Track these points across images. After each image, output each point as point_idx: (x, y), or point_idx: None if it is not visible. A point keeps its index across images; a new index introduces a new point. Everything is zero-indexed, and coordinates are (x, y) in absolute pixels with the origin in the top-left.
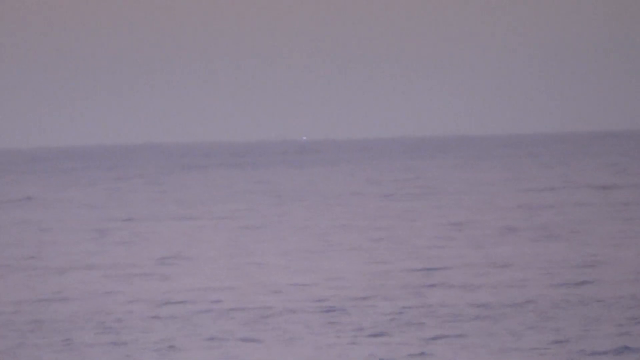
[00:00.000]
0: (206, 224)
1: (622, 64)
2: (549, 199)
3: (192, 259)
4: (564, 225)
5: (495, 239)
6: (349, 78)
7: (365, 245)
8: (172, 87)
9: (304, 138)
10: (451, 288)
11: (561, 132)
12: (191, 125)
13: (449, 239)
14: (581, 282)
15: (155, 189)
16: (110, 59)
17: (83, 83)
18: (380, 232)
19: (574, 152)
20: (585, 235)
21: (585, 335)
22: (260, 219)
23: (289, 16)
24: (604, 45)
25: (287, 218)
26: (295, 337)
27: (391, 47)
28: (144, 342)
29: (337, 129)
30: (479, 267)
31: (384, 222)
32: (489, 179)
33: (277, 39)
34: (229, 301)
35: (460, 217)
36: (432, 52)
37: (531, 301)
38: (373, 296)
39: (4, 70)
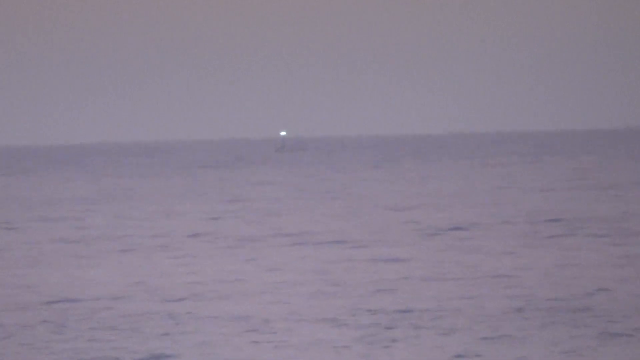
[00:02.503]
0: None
1: (614, 65)
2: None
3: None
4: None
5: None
6: (334, 76)
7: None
8: (156, 86)
9: (283, 134)
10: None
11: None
12: (175, 124)
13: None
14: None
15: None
16: (90, 59)
17: (68, 83)
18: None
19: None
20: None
21: None
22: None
23: (279, 13)
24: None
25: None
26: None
27: (377, 47)
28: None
29: (318, 126)
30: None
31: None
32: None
33: (269, 36)
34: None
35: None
36: (417, 51)
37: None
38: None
39: None
